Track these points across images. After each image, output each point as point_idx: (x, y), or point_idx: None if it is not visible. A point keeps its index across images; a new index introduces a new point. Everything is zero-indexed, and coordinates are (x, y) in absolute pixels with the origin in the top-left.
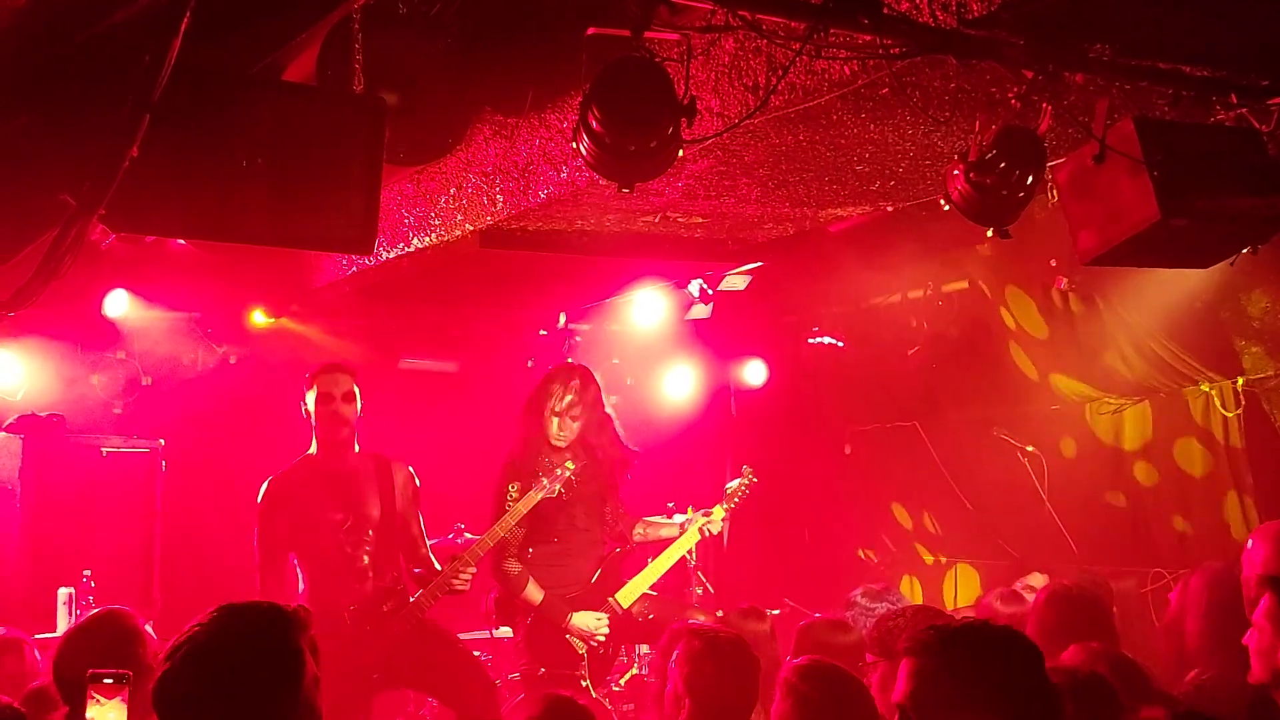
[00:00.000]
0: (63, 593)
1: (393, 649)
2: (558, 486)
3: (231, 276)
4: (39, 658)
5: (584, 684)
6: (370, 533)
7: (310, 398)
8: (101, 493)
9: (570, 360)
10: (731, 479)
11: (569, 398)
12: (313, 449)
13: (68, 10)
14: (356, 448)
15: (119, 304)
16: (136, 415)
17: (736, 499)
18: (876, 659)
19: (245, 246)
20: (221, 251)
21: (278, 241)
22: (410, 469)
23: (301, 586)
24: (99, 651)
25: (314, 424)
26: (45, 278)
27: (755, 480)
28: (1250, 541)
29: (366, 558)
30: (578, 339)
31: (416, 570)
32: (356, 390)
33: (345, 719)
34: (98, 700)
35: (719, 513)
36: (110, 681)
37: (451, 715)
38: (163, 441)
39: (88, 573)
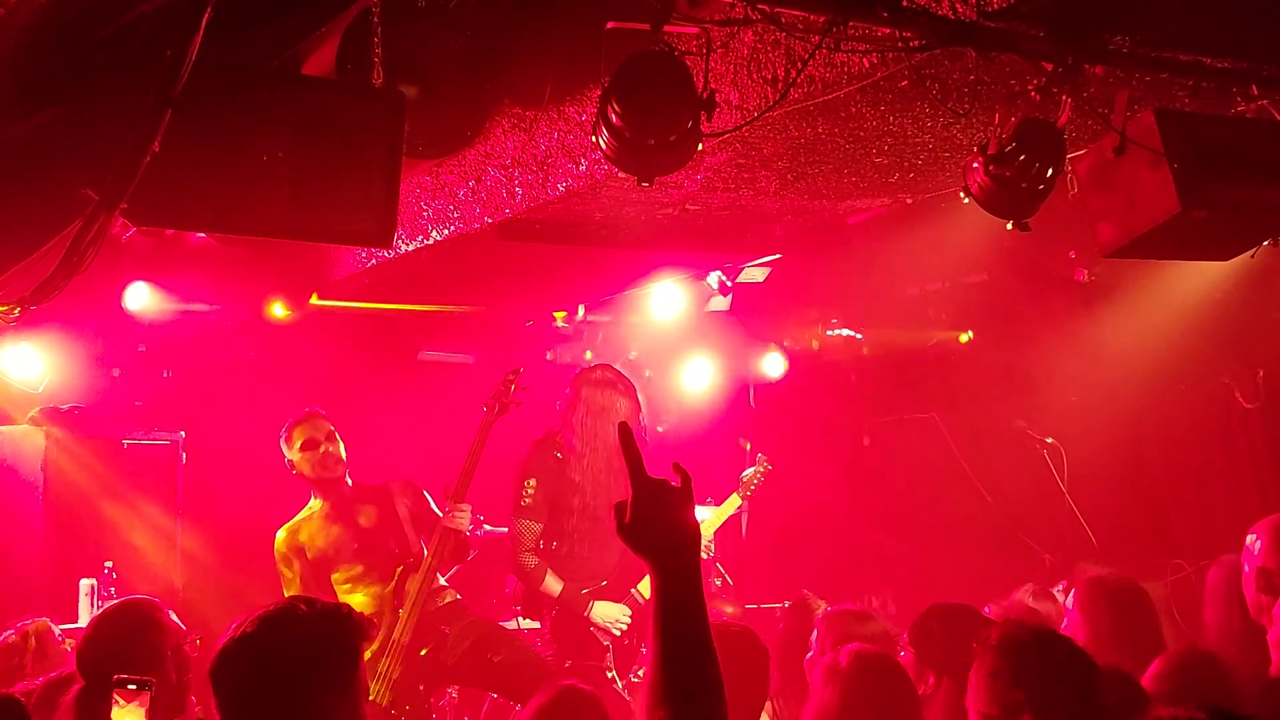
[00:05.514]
0: (84, 584)
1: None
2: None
3: (251, 269)
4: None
5: (610, 674)
6: (395, 566)
7: (296, 448)
8: (122, 485)
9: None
10: (747, 468)
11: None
12: (312, 499)
13: (90, 6)
14: (349, 480)
15: (140, 297)
16: (157, 407)
17: (753, 486)
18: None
19: (265, 240)
20: (241, 244)
21: (298, 235)
22: (404, 482)
23: None
24: (118, 640)
25: (307, 471)
26: (68, 271)
27: (770, 467)
28: (1252, 535)
29: (393, 587)
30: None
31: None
32: (336, 433)
33: None
34: (119, 703)
35: (735, 500)
36: (134, 687)
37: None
38: (183, 434)
39: (109, 564)
